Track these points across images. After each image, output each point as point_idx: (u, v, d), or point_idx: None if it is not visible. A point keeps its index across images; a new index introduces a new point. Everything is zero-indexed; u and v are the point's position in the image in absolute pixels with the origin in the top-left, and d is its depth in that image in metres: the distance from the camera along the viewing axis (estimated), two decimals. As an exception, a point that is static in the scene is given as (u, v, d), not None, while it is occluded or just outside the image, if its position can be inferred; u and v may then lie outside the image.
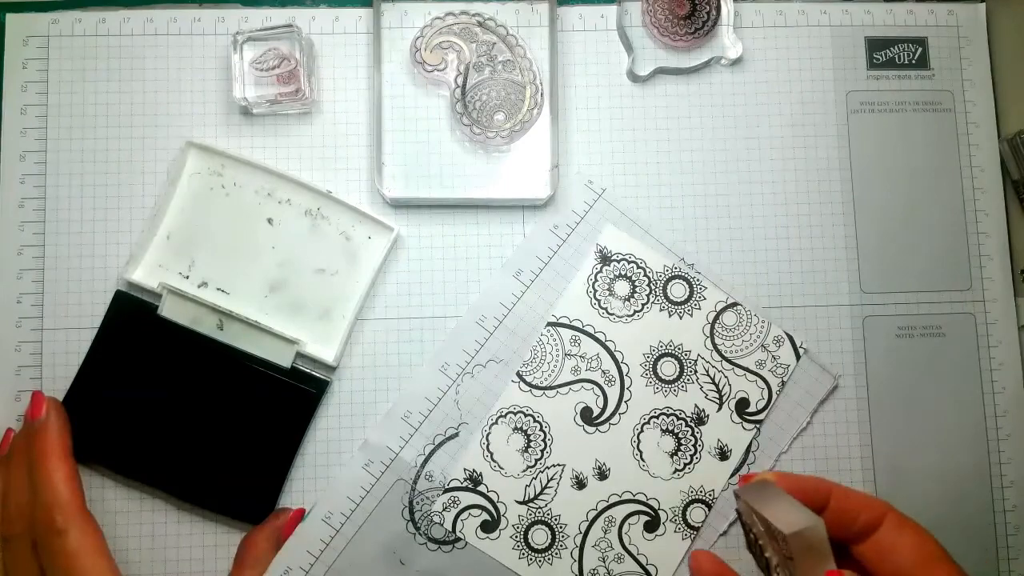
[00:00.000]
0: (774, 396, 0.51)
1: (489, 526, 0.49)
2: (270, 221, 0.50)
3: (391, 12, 0.52)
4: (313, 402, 0.49)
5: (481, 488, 0.49)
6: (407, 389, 0.50)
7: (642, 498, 0.50)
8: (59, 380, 0.49)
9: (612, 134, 0.52)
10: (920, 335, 0.52)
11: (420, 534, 0.49)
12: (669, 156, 0.52)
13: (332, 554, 0.48)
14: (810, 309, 0.52)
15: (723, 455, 0.50)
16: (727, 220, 0.52)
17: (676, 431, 0.50)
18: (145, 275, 0.49)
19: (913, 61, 0.54)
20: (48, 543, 0.43)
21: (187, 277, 0.50)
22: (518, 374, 0.50)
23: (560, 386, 0.50)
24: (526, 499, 0.49)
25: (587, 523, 0.49)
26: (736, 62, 0.53)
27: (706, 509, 0.50)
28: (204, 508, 0.49)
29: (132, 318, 0.49)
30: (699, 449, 0.50)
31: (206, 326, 0.49)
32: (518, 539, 0.49)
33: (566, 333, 0.50)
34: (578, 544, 0.49)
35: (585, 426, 0.50)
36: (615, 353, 0.50)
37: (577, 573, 0.49)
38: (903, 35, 0.54)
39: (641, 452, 0.50)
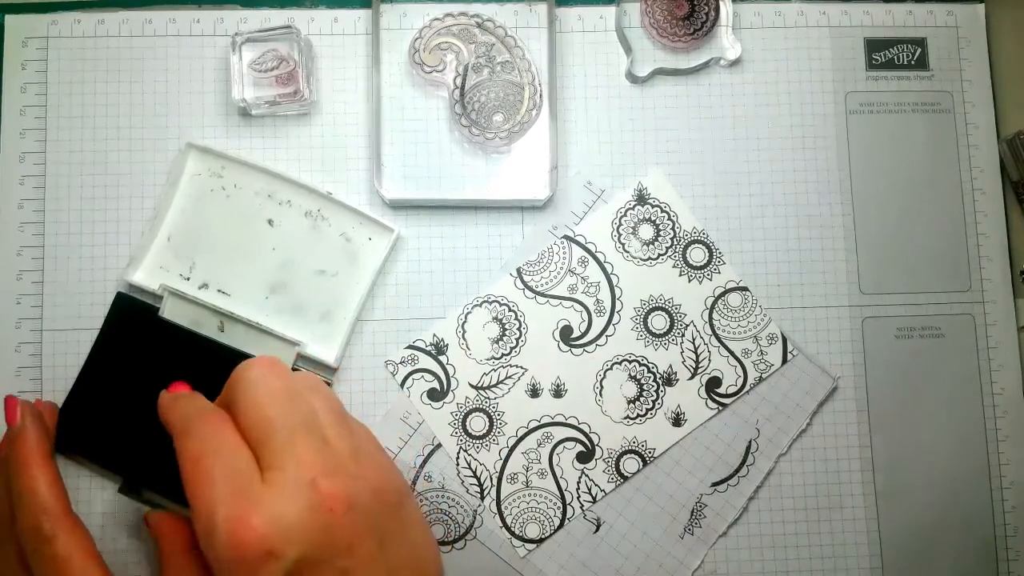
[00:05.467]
0: (747, 387, 0.51)
1: (435, 395, 0.50)
2: (270, 222, 0.50)
3: (390, 13, 0.52)
4: (313, 403, 0.49)
5: (442, 358, 0.50)
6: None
7: (585, 429, 0.50)
8: (59, 382, 0.49)
9: (611, 135, 0.52)
10: (919, 336, 0.52)
11: (420, 535, 0.49)
12: (668, 157, 0.52)
13: (332, 555, 0.48)
14: (809, 310, 0.52)
15: (677, 421, 0.50)
16: (726, 221, 0.52)
17: (642, 381, 0.51)
18: (146, 277, 0.49)
19: (912, 62, 0.54)
20: (36, 550, 0.43)
21: (188, 279, 0.50)
22: (517, 270, 0.51)
23: (552, 297, 0.51)
24: (479, 385, 0.50)
25: (526, 430, 0.50)
26: (735, 63, 0.53)
27: (640, 463, 0.50)
28: (204, 509, 0.49)
29: (133, 320, 0.49)
30: (657, 407, 0.50)
31: (207, 328, 0.49)
32: (458, 417, 0.50)
33: (577, 251, 0.51)
34: (510, 445, 0.50)
35: (560, 343, 0.51)
36: (615, 288, 0.51)
37: (498, 470, 0.50)
38: (902, 36, 0.54)
39: (602, 387, 0.50)
